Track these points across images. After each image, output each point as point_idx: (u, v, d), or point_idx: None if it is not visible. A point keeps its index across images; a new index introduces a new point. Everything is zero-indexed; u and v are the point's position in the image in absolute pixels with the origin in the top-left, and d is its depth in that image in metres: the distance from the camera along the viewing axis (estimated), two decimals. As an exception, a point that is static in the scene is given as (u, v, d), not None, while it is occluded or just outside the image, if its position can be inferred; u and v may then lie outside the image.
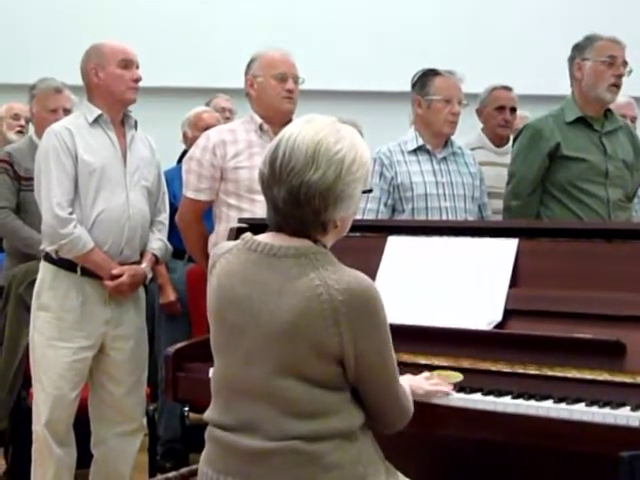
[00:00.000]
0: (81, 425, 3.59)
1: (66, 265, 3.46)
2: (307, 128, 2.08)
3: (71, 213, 3.42)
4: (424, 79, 3.86)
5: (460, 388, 2.44)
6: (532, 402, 2.31)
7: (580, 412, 2.24)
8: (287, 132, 2.10)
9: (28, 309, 3.67)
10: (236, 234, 2.93)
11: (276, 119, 3.69)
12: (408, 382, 2.30)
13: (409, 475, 2.24)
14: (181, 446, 4.54)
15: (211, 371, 2.24)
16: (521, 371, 2.47)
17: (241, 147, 3.72)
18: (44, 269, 3.52)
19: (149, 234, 3.66)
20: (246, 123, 3.80)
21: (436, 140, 3.86)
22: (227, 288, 2.12)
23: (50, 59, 6.06)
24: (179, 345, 2.95)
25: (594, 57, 3.89)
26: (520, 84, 5.01)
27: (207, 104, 5.39)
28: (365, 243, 2.95)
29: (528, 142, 3.91)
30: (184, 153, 4.66)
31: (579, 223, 3.58)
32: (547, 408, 2.28)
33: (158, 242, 3.68)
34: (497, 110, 4.80)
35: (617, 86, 3.90)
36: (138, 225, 3.56)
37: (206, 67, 6.72)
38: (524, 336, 2.52)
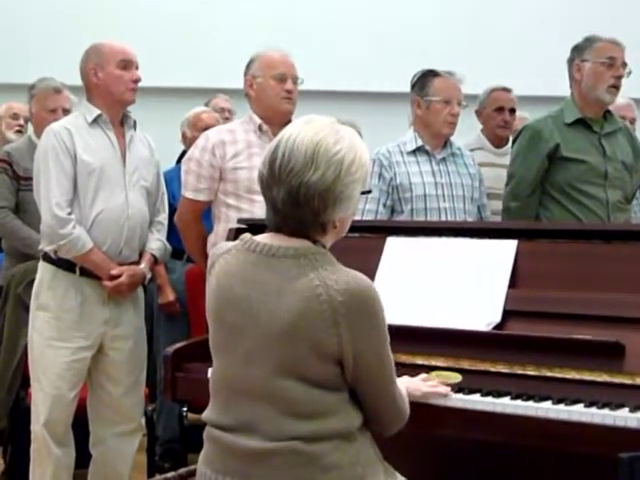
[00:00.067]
0: (80, 425, 3.59)
1: (65, 265, 3.46)
2: (306, 129, 2.08)
3: (70, 213, 3.42)
4: (423, 80, 3.85)
5: (459, 389, 2.44)
6: (531, 403, 2.32)
7: (579, 413, 2.24)
8: (286, 133, 2.10)
9: (27, 309, 3.67)
10: (235, 234, 2.93)
11: (275, 119, 3.69)
12: (405, 384, 2.30)
13: (408, 476, 2.24)
14: (180, 446, 4.54)
15: (210, 371, 2.24)
16: (520, 372, 2.47)
17: (240, 147, 3.72)
18: (43, 269, 3.51)
19: (148, 234, 3.65)
20: (245, 123, 3.80)
21: (435, 141, 3.86)
22: (226, 288, 2.12)
23: (50, 59, 6.06)
24: (178, 345, 2.95)
25: (593, 58, 3.89)
26: (519, 85, 5.01)
27: (206, 104, 5.39)
28: (364, 244, 2.95)
29: (527, 143, 3.91)
30: (183, 153, 4.66)
31: (578, 224, 3.58)
32: (546, 409, 2.28)
33: (157, 242, 3.68)
34: (496, 111, 4.81)
35: (616, 87, 3.90)
36: (137, 225, 3.56)
37: (205, 67, 6.72)
38: (523, 337, 2.52)
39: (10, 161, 4.44)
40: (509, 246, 2.71)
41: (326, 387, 2.05)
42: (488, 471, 2.60)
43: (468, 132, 4.70)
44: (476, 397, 2.39)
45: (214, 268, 2.17)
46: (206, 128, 4.29)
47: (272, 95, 3.72)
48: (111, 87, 3.51)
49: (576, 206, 3.82)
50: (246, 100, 3.85)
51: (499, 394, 2.38)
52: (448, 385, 2.44)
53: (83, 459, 3.62)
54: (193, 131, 4.81)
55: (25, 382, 3.88)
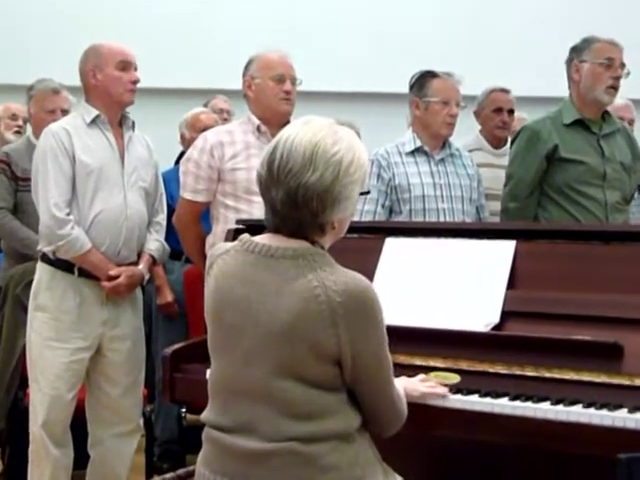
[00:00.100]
0: (78, 426, 3.59)
1: (63, 266, 3.45)
2: (305, 130, 2.08)
3: (68, 214, 3.42)
4: (422, 81, 3.85)
5: (457, 389, 2.44)
6: (529, 404, 2.32)
7: (577, 414, 2.24)
8: (285, 134, 2.10)
9: (25, 310, 3.67)
10: (233, 235, 2.93)
11: (274, 120, 3.69)
12: (403, 384, 2.30)
13: (407, 477, 2.24)
14: (178, 447, 4.54)
15: (208, 372, 2.24)
16: (519, 373, 2.47)
17: (239, 148, 3.72)
18: (41, 270, 3.51)
19: (146, 235, 3.65)
20: (244, 124, 3.80)
21: (434, 142, 3.86)
22: (225, 289, 2.12)
23: (49, 60, 6.05)
24: (176, 346, 2.95)
25: (592, 59, 3.89)
26: (518, 86, 5.01)
27: (205, 105, 5.39)
28: (363, 244, 2.95)
29: (526, 144, 3.91)
30: (182, 154, 4.66)
31: (577, 225, 3.58)
32: (544, 410, 2.28)
33: (155, 243, 3.68)
34: (495, 112, 4.81)
35: (615, 88, 3.90)
36: (135, 226, 3.56)
37: (204, 68, 6.71)
38: (522, 338, 2.52)
39: (9, 162, 4.44)
40: (507, 247, 2.71)
41: (325, 388, 2.05)
42: (487, 472, 2.59)
43: (467, 133, 4.70)
44: (475, 398, 2.39)
45: (212, 269, 2.17)
46: (205, 129, 4.30)
47: (270, 96, 3.72)
48: (110, 88, 3.51)
49: (575, 207, 3.82)
50: (245, 101, 3.85)
51: (498, 395, 2.38)
52: (446, 386, 2.44)
53: (81, 460, 3.62)
54: (192, 132, 4.81)
55: (23, 383, 3.88)
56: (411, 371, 2.49)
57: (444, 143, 3.89)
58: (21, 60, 6.56)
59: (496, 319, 2.59)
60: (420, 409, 2.34)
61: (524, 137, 3.93)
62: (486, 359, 2.52)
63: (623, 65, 3.90)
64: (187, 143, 4.69)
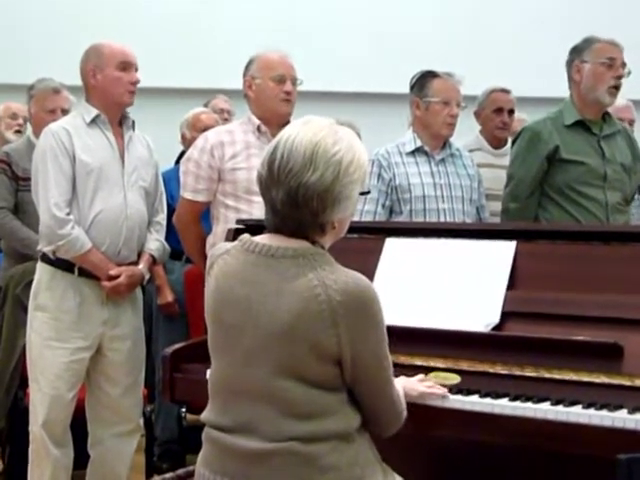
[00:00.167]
0: (78, 426, 3.59)
1: (63, 266, 3.45)
2: (305, 130, 2.09)
3: (69, 214, 3.41)
4: (422, 81, 3.85)
5: (457, 390, 2.44)
6: (529, 404, 2.32)
7: (577, 414, 2.24)
8: (285, 134, 2.10)
9: (25, 309, 3.66)
10: (234, 235, 2.93)
11: (274, 121, 3.69)
12: (402, 384, 2.30)
13: (406, 477, 2.24)
14: (178, 447, 4.54)
15: (208, 372, 2.24)
16: (518, 373, 2.47)
17: (239, 148, 3.72)
18: (41, 269, 3.51)
19: (147, 235, 3.65)
20: (244, 124, 3.81)
21: (434, 142, 3.86)
22: (225, 289, 2.12)
23: (49, 59, 6.05)
24: (177, 346, 2.95)
25: (593, 59, 3.89)
26: (518, 86, 5.01)
27: (205, 105, 5.39)
28: (363, 245, 2.95)
29: (527, 145, 3.91)
30: (182, 154, 4.66)
31: (577, 225, 3.58)
32: (544, 410, 2.28)
33: (155, 242, 3.68)
34: (495, 112, 4.81)
35: (617, 88, 3.89)
36: (136, 225, 3.56)
37: (205, 68, 6.71)
38: (522, 338, 2.52)
39: (9, 161, 4.44)
40: (508, 247, 2.71)
41: (325, 387, 2.05)
42: (487, 472, 2.59)
43: (467, 133, 4.70)
44: (475, 398, 2.40)
45: (213, 269, 2.17)
46: (205, 129, 4.30)
47: (271, 96, 3.72)
48: (109, 89, 3.51)
49: (575, 207, 3.82)
50: (245, 101, 3.85)
51: (498, 395, 2.38)
52: (446, 386, 2.44)
53: (81, 460, 3.62)
54: (192, 132, 4.81)
55: (23, 382, 3.88)
56: (411, 371, 2.49)
57: (444, 143, 3.89)
58: (21, 60, 6.56)
59: (496, 319, 2.59)
60: (420, 409, 2.34)
61: (525, 138, 3.93)
62: (486, 359, 2.52)
63: (624, 64, 3.90)
64: (188, 143, 4.69)
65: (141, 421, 3.73)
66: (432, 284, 2.76)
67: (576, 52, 3.96)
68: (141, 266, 3.59)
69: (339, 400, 2.07)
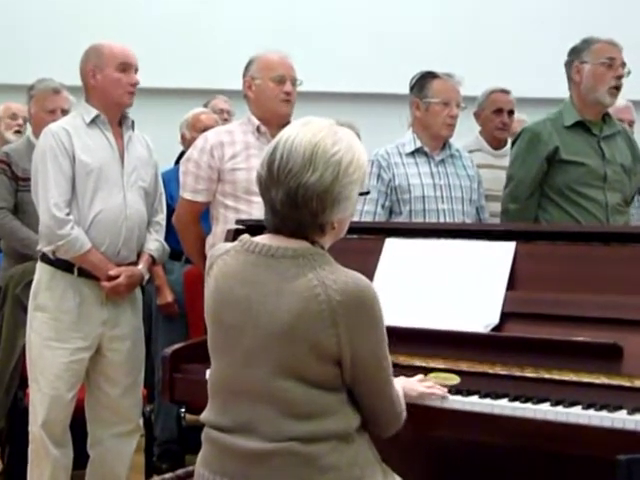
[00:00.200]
0: (77, 426, 3.59)
1: (63, 266, 3.45)
2: (304, 130, 2.09)
3: (68, 214, 3.41)
4: (422, 82, 3.86)
5: (457, 390, 2.44)
6: (529, 405, 2.32)
7: (577, 415, 2.24)
8: (285, 134, 2.10)
9: (25, 310, 3.66)
10: (233, 236, 2.93)
11: (273, 121, 3.69)
12: (401, 384, 2.30)
13: (406, 477, 2.24)
14: (177, 447, 4.53)
15: (208, 372, 2.24)
16: (518, 374, 2.47)
17: (238, 149, 3.72)
18: (41, 270, 3.51)
19: (146, 235, 3.65)
20: (244, 125, 3.80)
21: (434, 142, 3.86)
22: (225, 289, 2.12)
23: (49, 59, 6.05)
24: (176, 346, 2.95)
25: (593, 60, 3.88)
26: (518, 87, 5.01)
27: (205, 105, 5.39)
28: (363, 245, 2.95)
29: (527, 145, 3.91)
30: (182, 154, 4.66)
31: (577, 226, 3.57)
32: (544, 411, 2.28)
33: (155, 243, 3.68)
34: (495, 113, 4.81)
35: (617, 88, 3.89)
36: (135, 226, 3.56)
37: (205, 68, 6.71)
38: (521, 339, 2.52)
39: (9, 162, 4.44)
40: (507, 248, 2.71)
41: (325, 388, 2.05)
42: (486, 473, 2.60)
43: (466, 134, 4.70)
44: (474, 399, 2.39)
45: (213, 269, 2.17)
46: (205, 129, 4.30)
47: (271, 97, 3.72)
48: (109, 90, 3.50)
49: (575, 208, 3.81)
50: (245, 101, 3.85)
51: (497, 396, 2.38)
52: (446, 387, 2.44)
53: (81, 460, 3.62)
54: (192, 132, 4.81)
55: (23, 383, 3.88)
56: (411, 372, 2.49)
57: (444, 144, 3.89)
58: (21, 60, 6.56)
59: (496, 320, 2.59)
60: (420, 410, 2.34)
61: (525, 139, 3.93)
62: (486, 360, 2.52)
63: (624, 64, 3.90)
64: (187, 143, 4.69)
65: (141, 421, 3.73)
66: (432, 285, 2.76)
67: (575, 53, 3.96)
68: (140, 266, 3.59)
69: (339, 400, 2.07)
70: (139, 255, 3.62)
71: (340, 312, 1.99)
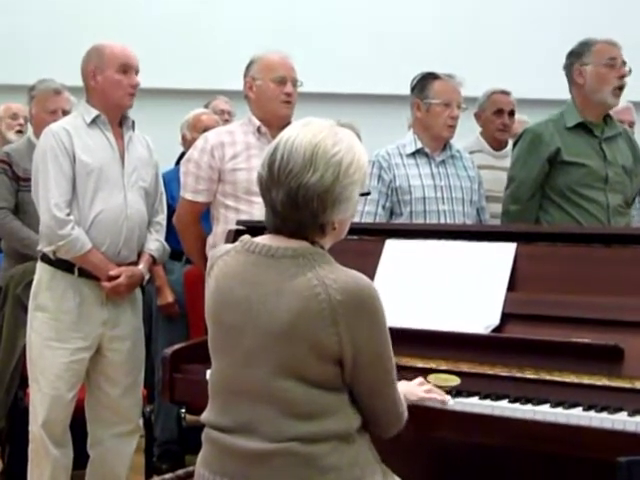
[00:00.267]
0: (78, 426, 3.59)
1: (63, 266, 3.45)
2: (305, 131, 2.09)
3: (69, 214, 3.41)
4: (423, 82, 3.86)
5: (457, 392, 2.44)
6: (529, 406, 2.32)
7: (577, 417, 2.24)
8: (285, 135, 2.10)
9: (26, 310, 3.66)
10: (234, 236, 2.93)
11: (274, 122, 3.69)
12: (402, 387, 2.29)
13: (406, 478, 2.23)
14: (177, 448, 4.54)
15: (208, 373, 2.24)
16: (519, 375, 2.47)
17: (239, 149, 3.72)
18: (41, 270, 3.51)
19: (147, 235, 3.65)
20: (244, 125, 3.80)
21: (435, 143, 3.86)
22: (225, 290, 2.12)
23: (50, 60, 6.06)
24: (176, 346, 2.95)
25: (594, 61, 3.88)
26: (519, 88, 5.01)
27: (206, 106, 5.39)
28: (363, 246, 2.95)
29: (528, 146, 3.91)
30: (182, 155, 4.65)
31: (578, 227, 3.57)
32: (544, 412, 2.28)
33: (155, 243, 3.68)
34: (495, 114, 4.81)
35: (621, 88, 3.89)
36: (136, 226, 3.56)
37: (205, 69, 6.72)
38: (522, 340, 2.52)
39: (10, 162, 4.44)
40: (508, 249, 2.70)
41: (326, 387, 2.04)
42: (486, 474, 2.59)
43: (467, 135, 4.70)
44: (474, 400, 2.39)
45: (213, 270, 2.17)
46: (206, 130, 4.29)
47: (272, 98, 3.71)
48: (109, 91, 3.50)
49: (576, 210, 3.81)
50: (246, 102, 3.85)
51: (497, 397, 2.38)
52: (446, 388, 2.44)
53: (81, 460, 3.62)
54: (193, 133, 4.81)
55: (23, 382, 3.88)
56: (411, 373, 2.49)
57: (445, 145, 3.89)
58: (22, 60, 6.57)
59: (496, 321, 2.59)
60: (420, 411, 2.34)
61: (526, 140, 3.93)
62: (486, 361, 2.52)
63: (624, 63, 3.89)
64: (188, 144, 4.69)
65: (141, 421, 3.74)
66: (432, 286, 2.76)
67: (575, 55, 3.95)
68: (141, 266, 3.59)
69: (340, 400, 2.07)
70: (139, 255, 3.62)
71: (340, 311, 1.99)
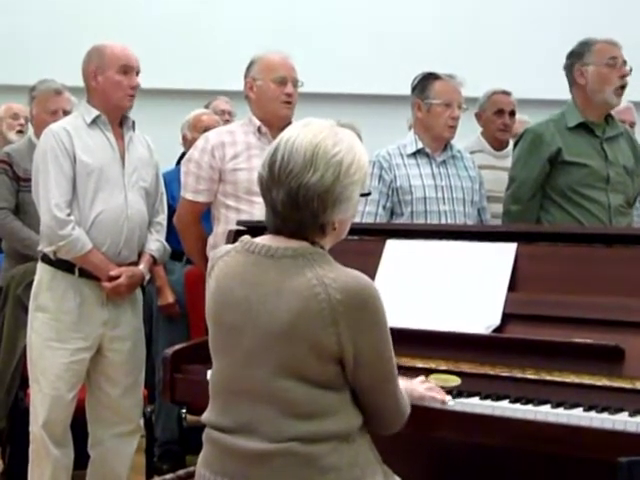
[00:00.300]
0: (78, 426, 3.59)
1: (64, 266, 3.45)
2: (305, 131, 2.09)
3: (69, 214, 3.41)
4: (424, 83, 3.85)
5: (458, 392, 2.44)
6: (530, 406, 2.31)
7: (578, 417, 2.24)
8: (285, 135, 2.10)
9: (26, 310, 3.67)
10: (234, 236, 2.93)
11: (274, 123, 3.69)
12: (402, 385, 2.29)
13: (406, 478, 2.23)
14: (178, 448, 4.55)
15: (209, 373, 2.24)
16: (519, 375, 2.46)
17: (240, 149, 3.72)
18: (42, 270, 3.51)
19: (147, 235, 3.65)
20: (245, 125, 3.80)
21: (435, 144, 3.86)
22: (226, 290, 2.12)
23: (50, 60, 6.07)
24: (177, 347, 2.95)
25: (596, 61, 3.87)
26: (520, 88, 5.01)
27: (206, 106, 5.39)
28: (364, 246, 2.95)
29: (529, 147, 3.90)
30: (183, 155, 4.65)
31: (579, 228, 3.57)
32: (545, 413, 2.28)
33: (156, 243, 3.68)
34: (496, 114, 4.81)
35: (623, 87, 3.88)
36: (136, 226, 3.56)
37: (206, 69, 6.72)
38: (522, 340, 2.52)
39: (10, 162, 4.44)
40: (509, 249, 2.70)
41: (327, 387, 2.04)
42: (487, 474, 2.59)
43: (468, 135, 4.70)
44: (475, 400, 2.39)
45: (214, 270, 2.17)
46: (206, 130, 4.29)
47: (272, 98, 3.71)
48: (109, 92, 3.50)
49: (578, 210, 3.81)
50: (246, 102, 3.85)
51: (498, 397, 2.38)
52: (446, 388, 2.44)
53: (82, 460, 3.62)
54: (193, 133, 4.81)
55: (24, 383, 3.88)
56: (412, 373, 2.48)
57: (446, 145, 3.89)
58: (22, 60, 6.57)
59: (497, 321, 2.59)
60: (420, 411, 2.33)
61: (527, 140, 3.93)
62: (487, 362, 2.52)
63: (625, 62, 3.89)
64: (189, 144, 4.69)
65: (141, 422, 3.73)
66: (433, 286, 2.76)
67: (575, 56, 3.94)
68: (141, 266, 3.59)
69: (341, 400, 2.07)
70: (140, 255, 3.62)
71: (340, 310, 1.99)
